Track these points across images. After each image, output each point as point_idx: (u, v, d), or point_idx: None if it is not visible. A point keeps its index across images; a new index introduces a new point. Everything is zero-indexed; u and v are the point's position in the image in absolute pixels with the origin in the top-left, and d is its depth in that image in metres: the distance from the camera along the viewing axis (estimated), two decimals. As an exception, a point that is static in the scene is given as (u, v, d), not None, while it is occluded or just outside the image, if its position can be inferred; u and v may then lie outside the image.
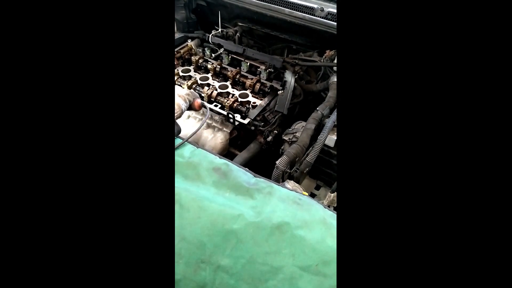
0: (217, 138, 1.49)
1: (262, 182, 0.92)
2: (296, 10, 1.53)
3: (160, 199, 0.52)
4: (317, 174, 1.29)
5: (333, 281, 0.70)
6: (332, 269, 0.72)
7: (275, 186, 0.91)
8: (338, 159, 0.52)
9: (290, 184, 1.03)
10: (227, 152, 1.53)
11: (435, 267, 0.43)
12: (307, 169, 1.08)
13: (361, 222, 0.47)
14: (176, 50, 1.72)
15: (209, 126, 1.54)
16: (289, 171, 1.11)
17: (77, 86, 0.50)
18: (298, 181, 1.16)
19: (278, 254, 0.74)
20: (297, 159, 1.11)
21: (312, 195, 1.27)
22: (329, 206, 1.13)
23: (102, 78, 0.51)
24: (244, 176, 0.94)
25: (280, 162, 1.08)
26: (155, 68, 0.54)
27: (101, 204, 0.49)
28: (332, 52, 1.56)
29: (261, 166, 1.21)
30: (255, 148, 1.39)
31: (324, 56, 1.60)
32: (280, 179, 1.09)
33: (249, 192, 0.88)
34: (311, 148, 1.09)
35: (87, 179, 0.49)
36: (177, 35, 1.80)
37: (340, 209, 0.50)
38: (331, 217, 0.83)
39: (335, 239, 0.77)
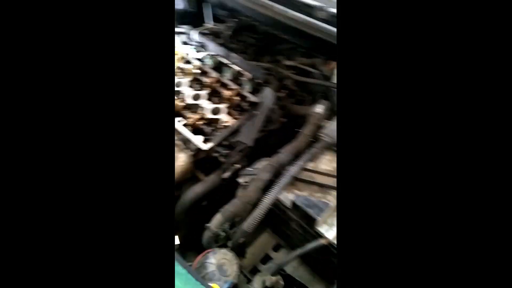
0: (177, 160, 1.25)
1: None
2: (290, 8, 1.19)
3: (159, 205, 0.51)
4: (280, 229, 0.99)
5: None
6: None
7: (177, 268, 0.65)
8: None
9: (218, 256, 0.76)
10: (191, 176, 1.29)
11: None
12: (243, 239, 0.80)
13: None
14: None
15: (173, 143, 1.30)
16: (224, 233, 0.84)
17: (75, 85, 0.49)
18: (242, 249, 0.88)
19: None
20: (237, 220, 0.84)
21: (266, 258, 0.98)
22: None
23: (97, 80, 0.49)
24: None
25: (213, 223, 0.81)
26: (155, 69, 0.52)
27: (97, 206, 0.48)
28: (333, 65, 1.21)
29: (224, 201, 0.95)
30: (214, 182, 1.13)
31: (326, 68, 1.25)
32: (213, 244, 0.83)
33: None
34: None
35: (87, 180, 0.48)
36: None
37: None
38: None
39: None
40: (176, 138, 1.28)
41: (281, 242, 1.00)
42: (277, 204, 0.88)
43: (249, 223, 0.79)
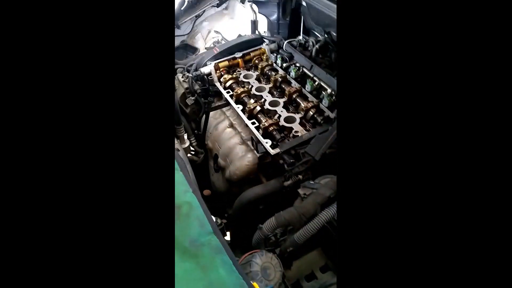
0: (245, 158, 1.31)
1: (209, 244, 0.71)
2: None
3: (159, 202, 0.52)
4: (331, 251, 0.96)
5: None
6: None
7: (221, 252, 0.68)
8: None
9: (265, 258, 0.78)
10: (254, 177, 1.34)
11: None
12: (291, 248, 0.79)
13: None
14: (247, 51, 1.58)
15: (244, 142, 1.37)
16: (274, 238, 0.85)
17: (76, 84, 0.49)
18: (292, 257, 0.88)
19: None
20: (289, 228, 0.84)
21: (311, 276, 0.95)
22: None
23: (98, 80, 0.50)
24: (199, 228, 0.75)
25: (266, 226, 0.83)
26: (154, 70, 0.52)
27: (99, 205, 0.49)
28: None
29: (281, 208, 0.97)
30: (274, 187, 1.15)
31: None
32: (262, 246, 0.85)
33: (185, 256, 0.69)
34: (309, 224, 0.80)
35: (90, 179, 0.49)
36: (253, 36, 1.65)
37: None
38: None
39: None
40: (246, 137, 1.35)
41: (329, 264, 0.96)
42: (333, 225, 0.85)
43: (300, 235, 0.78)
